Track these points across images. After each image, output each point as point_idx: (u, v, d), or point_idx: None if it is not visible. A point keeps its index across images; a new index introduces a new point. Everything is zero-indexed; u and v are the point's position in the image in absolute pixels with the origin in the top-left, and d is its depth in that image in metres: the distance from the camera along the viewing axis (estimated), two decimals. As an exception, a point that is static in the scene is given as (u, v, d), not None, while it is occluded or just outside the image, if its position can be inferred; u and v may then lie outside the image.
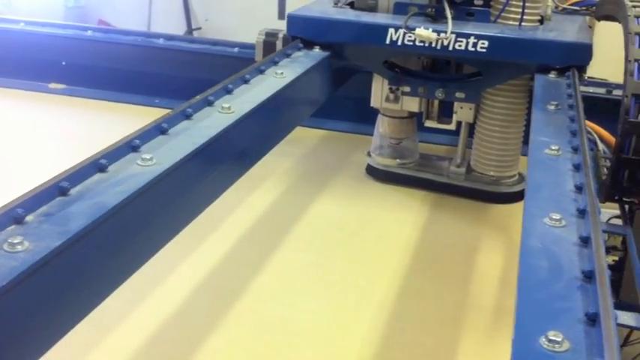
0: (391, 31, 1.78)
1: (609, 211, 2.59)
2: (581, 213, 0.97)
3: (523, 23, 1.83)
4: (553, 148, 1.20)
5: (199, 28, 4.69)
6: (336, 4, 1.97)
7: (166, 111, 2.40)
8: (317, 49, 1.82)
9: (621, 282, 2.40)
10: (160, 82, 2.56)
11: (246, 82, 1.49)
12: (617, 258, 2.45)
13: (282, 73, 1.57)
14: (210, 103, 1.32)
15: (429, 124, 2.06)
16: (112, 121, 2.31)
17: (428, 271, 1.62)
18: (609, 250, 2.54)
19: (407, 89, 1.95)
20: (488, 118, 1.94)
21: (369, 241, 1.75)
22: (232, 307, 1.43)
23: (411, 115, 2.07)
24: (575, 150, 1.20)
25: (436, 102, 2.03)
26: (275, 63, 1.65)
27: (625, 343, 2.90)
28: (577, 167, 1.12)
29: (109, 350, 1.29)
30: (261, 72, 1.57)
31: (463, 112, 1.98)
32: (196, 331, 1.34)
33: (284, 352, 1.31)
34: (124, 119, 2.31)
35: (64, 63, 2.69)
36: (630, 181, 1.24)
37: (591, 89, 2.27)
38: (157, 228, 1.06)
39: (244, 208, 1.83)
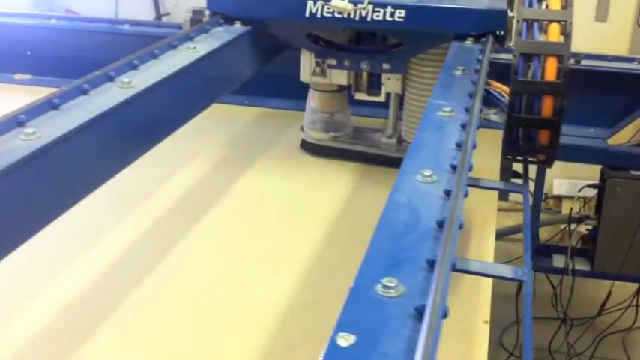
0: (310, 3, 1.78)
1: (585, 182, 2.63)
2: (454, 169, 0.99)
3: (445, -8, 1.84)
4: (446, 110, 1.22)
5: (168, 14, 4.66)
6: (258, -21, 1.96)
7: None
8: (238, 25, 1.82)
9: (595, 252, 2.43)
10: None
11: (155, 57, 1.49)
12: (590, 227, 2.49)
13: (194, 47, 1.57)
14: (111, 78, 1.32)
15: (358, 96, 2.07)
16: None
17: (351, 235, 1.62)
18: (582, 219, 2.58)
19: (333, 62, 1.96)
20: (415, 88, 1.95)
21: (294, 211, 1.76)
22: (146, 279, 1.43)
23: (341, 88, 2.08)
24: (468, 111, 1.21)
25: (365, 74, 2.04)
26: (190, 39, 1.64)
27: (600, 312, 2.96)
28: (464, 127, 1.14)
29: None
30: (174, 47, 1.57)
31: (391, 84, 1.98)
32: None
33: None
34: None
35: (28, 53, 2.64)
36: (525, 140, 1.26)
37: None
38: (40, 203, 1.05)
39: (173, 183, 1.83)
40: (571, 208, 2.79)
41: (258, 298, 1.39)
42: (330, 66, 1.97)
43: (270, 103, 2.44)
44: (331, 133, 2.12)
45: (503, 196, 2.17)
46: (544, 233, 3.26)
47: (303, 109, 2.16)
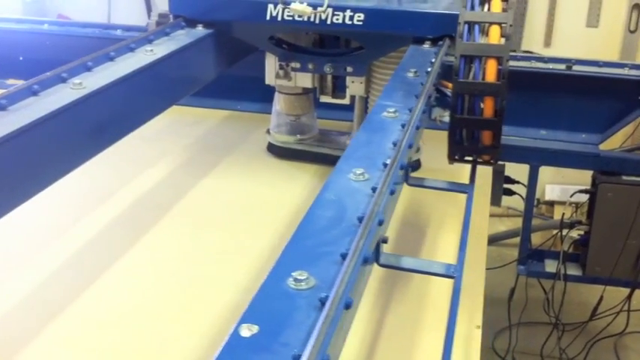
0: (270, 6, 1.80)
1: (577, 187, 2.64)
2: (385, 166, 1.01)
3: (407, -5, 1.86)
4: (390, 110, 1.24)
5: (161, 19, 4.65)
6: (222, -18, 1.98)
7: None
8: (200, 27, 1.84)
9: (587, 256, 2.44)
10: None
11: (111, 59, 1.50)
12: (582, 232, 2.50)
13: (152, 50, 1.59)
14: (63, 80, 1.34)
15: (323, 99, 2.09)
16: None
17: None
18: (574, 224, 2.59)
19: (297, 65, 1.97)
20: (378, 91, 1.96)
21: (251, 212, 1.78)
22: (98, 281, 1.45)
23: (306, 91, 2.10)
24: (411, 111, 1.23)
25: (329, 77, 2.06)
26: (150, 41, 1.66)
27: (592, 317, 2.97)
28: (404, 126, 1.16)
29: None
30: (131, 50, 1.58)
31: (355, 87, 2.00)
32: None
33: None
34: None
35: (21, 58, 2.62)
36: (469, 140, 1.28)
37: (551, 65, 2.31)
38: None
39: (135, 184, 1.85)
40: (563, 214, 2.80)
41: (215, 293, 1.40)
42: (294, 69, 1.99)
43: (238, 106, 2.46)
44: (297, 135, 2.14)
45: (495, 201, 2.19)
46: (536, 238, 3.27)
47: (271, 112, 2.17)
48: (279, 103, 2.13)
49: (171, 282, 1.45)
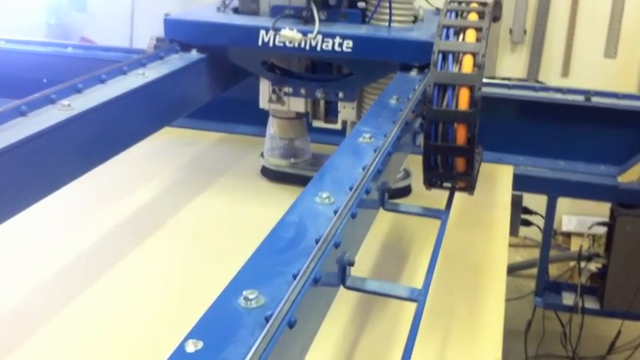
0: (262, 32, 1.84)
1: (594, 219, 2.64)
2: (351, 189, 1.03)
3: (397, 24, 1.90)
4: (366, 136, 1.27)
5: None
6: (219, 9, 2.03)
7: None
8: (194, 52, 1.88)
9: (605, 290, 2.43)
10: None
11: (102, 81, 1.55)
12: (600, 265, 2.50)
13: (143, 73, 1.63)
14: (52, 101, 1.38)
15: (316, 124, 2.13)
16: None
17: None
18: (592, 257, 2.58)
19: (289, 90, 2.02)
20: (369, 117, 2.00)
21: (242, 233, 1.80)
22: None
23: (299, 115, 2.13)
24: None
25: (322, 102, 2.10)
26: (143, 65, 1.71)
27: (609, 351, 2.95)
28: (376, 151, 1.19)
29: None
30: (124, 72, 1.63)
31: (346, 112, 2.04)
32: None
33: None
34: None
35: (45, 81, 2.65)
36: (444, 167, 1.30)
37: (569, 97, 2.32)
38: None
39: (125, 202, 1.88)
40: (581, 246, 2.80)
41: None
42: (287, 94, 2.03)
43: (235, 129, 2.50)
44: (291, 159, 2.17)
45: (513, 232, 2.21)
46: (553, 269, 3.27)
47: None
48: (272, 126, 2.17)
49: (157, 302, 1.48)
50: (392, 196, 2.07)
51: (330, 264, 0.94)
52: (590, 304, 2.58)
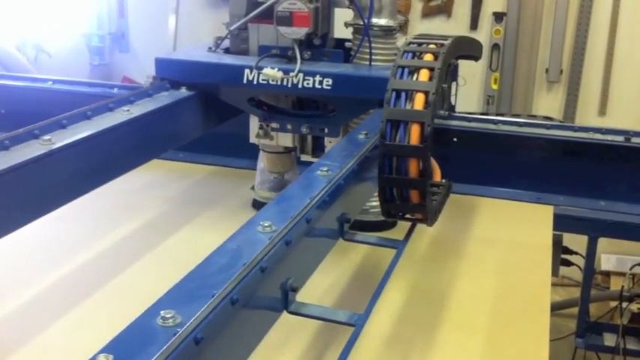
0: (247, 71, 1.93)
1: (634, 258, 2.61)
2: (293, 220, 1.10)
3: (379, 62, 1.98)
4: (323, 169, 1.33)
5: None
6: (210, 48, 2.13)
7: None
8: (183, 89, 1.98)
9: None
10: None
11: (87, 117, 1.64)
12: None
13: (129, 110, 1.73)
14: (35, 136, 1.47)
15: (304, 158, 2.20)
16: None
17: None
18: (633, 297, 2.53)
19: (276, 125, 2.09)
20: (353, 151, 2.07)
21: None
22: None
23: (288, 149, 2.21)
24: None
25: (310, 137, 2.17)
26: (130, 102, 1.80)
27: None
28: (328, 183, 1.25)
29: None
30: (110, 109, 1.72)
31: (332, 146, 2.10)
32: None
33: None
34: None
35: None
36: (400, 199, 1.36)
37: (609, 137, 2.30)
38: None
39: (112, 232, 1.95)
40: (622, 286, 2.79)
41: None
42: (274, 129, 2.11)
43: (229, 162, 2.54)
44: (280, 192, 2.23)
45: (554, 272, 2.22)
46: (592, 309, 3.23)
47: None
48: (262, 160, 2.24)
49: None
50: (374, 228, 2.12)
51: (266, 289, 1.00)
52: (632, 345, 2.56)
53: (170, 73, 1.99)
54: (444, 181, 1.58)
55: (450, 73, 2.20)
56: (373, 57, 1.97)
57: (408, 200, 1.36)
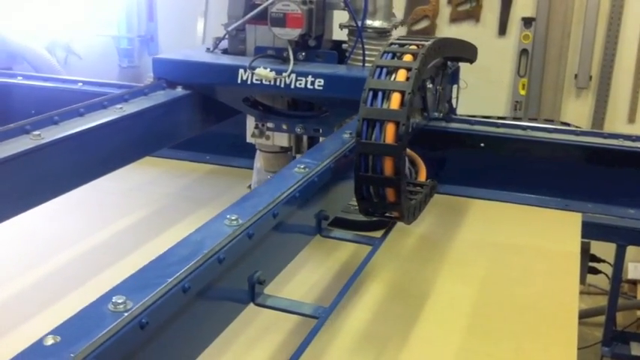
0: (241, 71, 1.96)
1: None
2: (258, 213, 1.12)
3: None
4: (301, 166, 1.36)
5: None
6: (208, 49, 2.16)
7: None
8: (179, 89, 2.02)
9: None
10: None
11: (80, 114, 1.68)
12: None
13: (122, 107, 1.76)
14: (26, 132, 1.52)
15: (299, 157, 2.21)
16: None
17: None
18: None
19: (271, 125, 2.12)
20: (347, 152, 2.09)
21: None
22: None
23: (284, 149, 2.23)
24: (319, 168, 1.35)
25: (305, 137, 2.19)
26: (125, 100, 1.84)
27: None
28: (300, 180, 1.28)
29: None
30: (104, 107, 1.76)
31: (316, 145, 2.12)
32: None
33: None
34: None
35: None
36: (377, 197, 1.38)
37: (639, 144, 2.28)
38: None
39: (106, 229, 1.98)
40: None
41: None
42: (269, 129, 2.14)
43: (228, 161, 2.57)
44: (277, 191, 2.26)
45: (581, 280, 2.22)
46: (619, 318, 3.21)
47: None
48: (259, 160, 2.27)
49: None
50: (368, 228, 2.13)
51: (229, 280, 1.02)
52: (660, 355, 2.52)
53: (167, 72, 2.03)
54: (428, 181, 1.59)
55: (446, 76, 2.23)
56: (367, 59, 1.99)
57: (384, 198, 1.37)
